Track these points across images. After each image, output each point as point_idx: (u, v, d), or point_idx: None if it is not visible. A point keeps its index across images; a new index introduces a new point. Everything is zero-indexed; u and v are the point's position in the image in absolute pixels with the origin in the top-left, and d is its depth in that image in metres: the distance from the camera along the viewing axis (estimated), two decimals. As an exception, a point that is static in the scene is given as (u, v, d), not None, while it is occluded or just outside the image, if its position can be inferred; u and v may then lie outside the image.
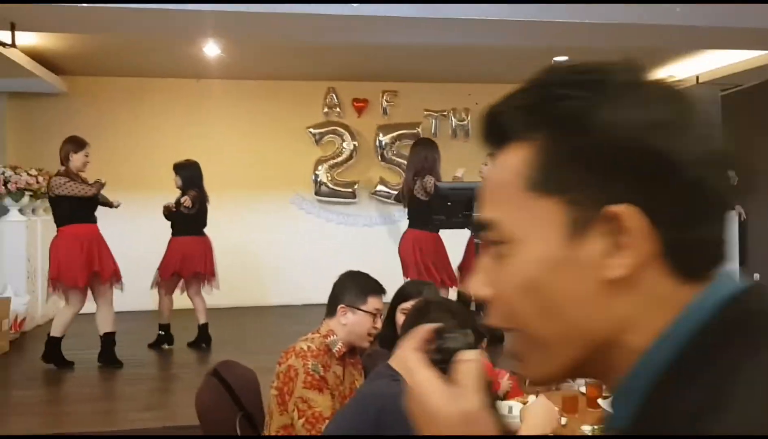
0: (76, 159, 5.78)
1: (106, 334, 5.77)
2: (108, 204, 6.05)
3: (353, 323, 2.72)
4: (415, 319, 2.19)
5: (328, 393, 2.58)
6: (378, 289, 2.79)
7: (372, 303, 2.73)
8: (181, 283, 6.51)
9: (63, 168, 5.81)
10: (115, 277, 5.93)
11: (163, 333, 6.42)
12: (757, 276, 8.66)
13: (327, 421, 2.45)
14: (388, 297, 3.09)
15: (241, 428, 2.76)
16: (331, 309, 2.76)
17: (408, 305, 3.00)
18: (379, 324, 2.78)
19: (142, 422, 4.24)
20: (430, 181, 5.67)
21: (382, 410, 1.95)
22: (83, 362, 5.82)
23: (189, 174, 6.44)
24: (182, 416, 4.17)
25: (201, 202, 6.40)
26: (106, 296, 5.87)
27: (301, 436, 2.57)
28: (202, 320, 6.46)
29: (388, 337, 3.04)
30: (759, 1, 5.40)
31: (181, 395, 4.89)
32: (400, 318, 2.97)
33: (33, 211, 7.77)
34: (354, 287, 2.76)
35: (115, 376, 5.50)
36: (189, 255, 6.35)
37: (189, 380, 5.42)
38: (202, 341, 6.47)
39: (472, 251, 6.20)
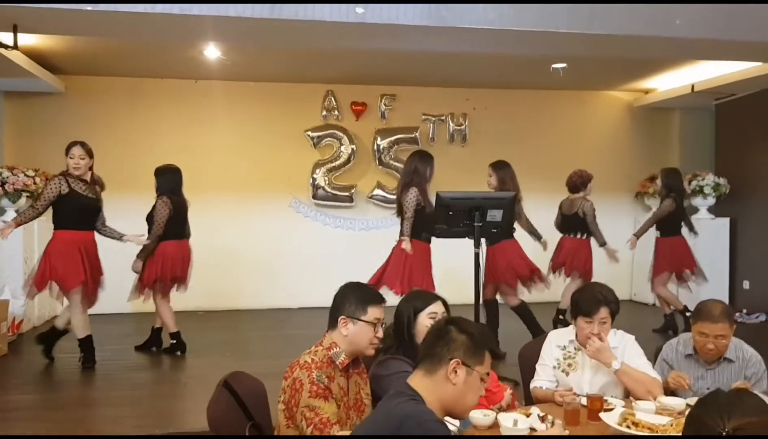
0: (68, 162, 5.82)
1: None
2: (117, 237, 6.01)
3: (354, 334, 2.75)
4: (435, 338, 2.23)
5: (333, 402, 2.61)
6: (377, 299, 2.83)
7: (372, 313, 2.77)
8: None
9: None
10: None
11: (174, 341, 6.37)
12: (746, 283, 8.77)
13: (334, 426, 2.50)
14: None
15: (250, 436, 2.80)
16: (332, 321, 2.80)
17: (431, 310, 3.06)
18: (380, 333, 2.81)
19: (143, 429, 4.22)
20: (409, 195, 5.80)
21: (401, 428, 1.99)
22: (83, 367, 5.81)
23: (165, 179, 6.37)
24: (184, 422, 4.19)
25: (179, 208, 6.34)
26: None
27: (308, 436, 2.61)
28: (158, 325, 6.47)
29: (402, 344, 3.08)
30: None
31: (182, 401, 4.91)
32: (423, 324, 3.04)
33: (30, 211, 7.72)
34: (354, 298, 2.80)
35: (116, 380, 5.49)
36: (172, 260, 6.28)
37: (190, 385, 5.46)
38: (154, 344, 6.49)
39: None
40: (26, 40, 6.45)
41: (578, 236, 7.26)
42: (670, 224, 7.37)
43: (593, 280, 7.10)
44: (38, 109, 8.35)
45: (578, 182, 7.26)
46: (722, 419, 1.56)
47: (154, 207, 6.33)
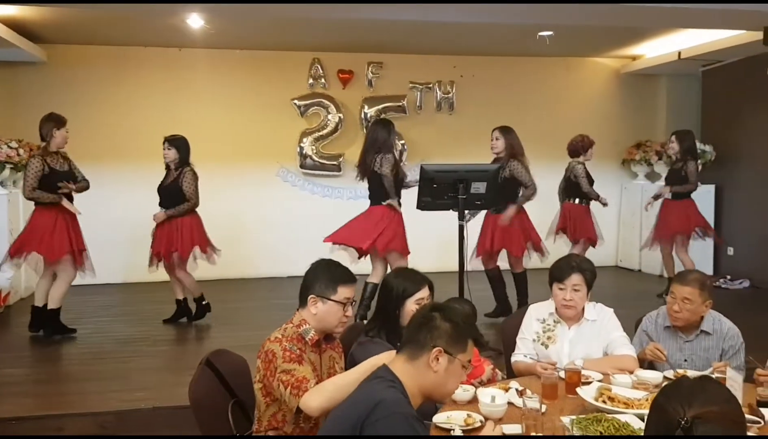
0: (58, 136, 5.74)
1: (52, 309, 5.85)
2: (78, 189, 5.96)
3: (324, 313, 2.76)
4: (419, 325, 2.26)
5: (308, 366, 2.63)
6: (348, 278, 2.82)
7: (342, 292, 2.77)
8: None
9: (43, 145, 5.77)
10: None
11: (205, 302, 6.47)
12: (731, 250, 8.85)
13: (311, 382, 2.53)
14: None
15: (232, 414, 2.84)
16: (302, 299, 2.80)
17: (419, 296, 3.09)
18: (350, 313, 2.81)
19: (132, 402, 4.27)
20: (386, 160, 5.93)
21: (373, 412, 2.03)
22: (71, 339, 5.86)
23: (187, 149, 6.35)
24: (173, 396, 4.22)
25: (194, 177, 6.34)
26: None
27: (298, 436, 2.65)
28: (181, 296, 6.49)
29: (385, 324, 3.12)
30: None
31: (170, 374, 4.94)
32: (410, 309, 3.08)
33: (14, 183, 7.69)
34: (324, 276, 2.79)
35: (104, 353, 5.51)
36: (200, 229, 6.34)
37: (178, 358, 5.50)
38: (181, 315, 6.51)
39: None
40: (5, 9, 6.34)
41: (575, 201, 7.27)
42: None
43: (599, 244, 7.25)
44: (20, 79, 8.22)
45: (579, 147, 7.24)
46: (683, 407, 1.57)
47: (179, 178, 6.27)
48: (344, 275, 2.81)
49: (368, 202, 6.31)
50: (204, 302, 6.47)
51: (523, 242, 6.40)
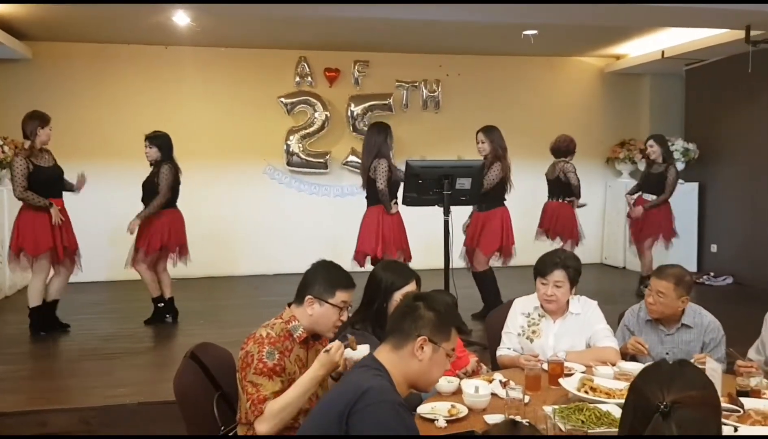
0: (43, 134, 5.72)
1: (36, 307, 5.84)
2: (70, 189, 6.03)
3: (319, 315, 2.74)
4: (403, 314, 2.28)
5: (278, 380, 2.62)
6: (347, 283, 2.80)
7: (339, 297, 2.75)
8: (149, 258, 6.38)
9: (28, 143, 5.75)
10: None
11: (162, 305, 6.30)
12: (714, 247, 8.94)
13: (267, 402, 2.55)
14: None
15: (217, 407, 2.85)
16: (299, 297, 2.78)
17: (407, 290, 3.10)
18: (345, 317, 2.81)
19: (116, 398, 4.26)
20: (381, 166, 5.85)
21: (360, 399, 2.04)
22: (55, 336, 5.84)
23: (167, 145, 6.27)
24: (157, 392, 4.22)
25: (175, 174, 6.28)
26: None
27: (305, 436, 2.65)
28: (168, 295, 6.40)
29: (371, 316, 3.12)
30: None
31: (155, 370, 4.93)
32: (397, 302, 3.07)
33: (-1, 179, 7.65)
34: (324, 279, 2.77)
35: (88, 350, 5.49)
36: (169, 229, 6.24)
37: (163, 355, 5.49)
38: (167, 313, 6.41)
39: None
40: (-11, 6, 6.31)
41: (560, 199, 7.29)
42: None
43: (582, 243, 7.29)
44: (4, 76, 8.16)
45: (568, 148, 7.25)
46: (662, 392, 1.53)
47: (156, 173, 6.20)
48: (343, 280, 2.79)
49: (355, 199, 6.29)
50: (160, 305, 6.30)
51: (494, 243, 6.29)
